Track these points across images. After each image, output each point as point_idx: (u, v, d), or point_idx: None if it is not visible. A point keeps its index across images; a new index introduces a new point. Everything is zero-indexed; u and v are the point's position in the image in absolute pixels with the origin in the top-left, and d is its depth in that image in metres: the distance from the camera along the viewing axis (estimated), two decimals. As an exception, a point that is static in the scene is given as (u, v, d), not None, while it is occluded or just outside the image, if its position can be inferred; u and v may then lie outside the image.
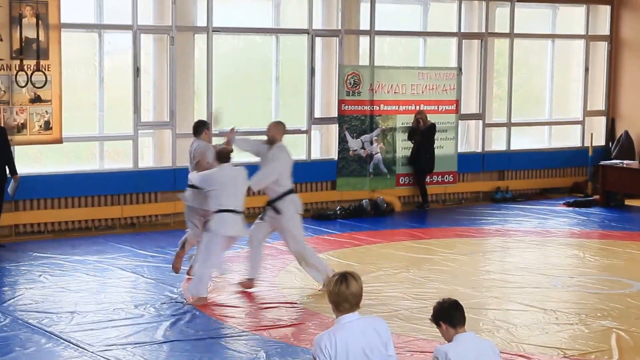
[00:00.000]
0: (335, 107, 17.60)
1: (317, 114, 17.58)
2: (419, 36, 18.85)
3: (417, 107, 18.07)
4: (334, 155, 17.66)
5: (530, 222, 16.87)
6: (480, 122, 19.37)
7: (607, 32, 20.76)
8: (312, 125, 17.49)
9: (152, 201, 15.82)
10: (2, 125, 14.18)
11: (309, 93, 17.36)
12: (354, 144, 17.63)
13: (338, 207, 17.15)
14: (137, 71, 15.64)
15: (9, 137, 14.21)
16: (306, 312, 10.66)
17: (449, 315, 6.27)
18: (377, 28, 17.92)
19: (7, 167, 13.92)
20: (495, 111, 19.86)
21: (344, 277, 5.81)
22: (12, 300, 11.00)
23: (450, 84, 18.50)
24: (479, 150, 19.44)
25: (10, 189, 13.96)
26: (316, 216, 16.89)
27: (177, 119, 16.00)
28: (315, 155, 17.66)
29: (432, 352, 6.30)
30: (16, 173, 13.99)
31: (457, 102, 18.68)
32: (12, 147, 14.25)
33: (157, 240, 14.68)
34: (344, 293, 5.77)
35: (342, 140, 17.54)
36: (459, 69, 18.81)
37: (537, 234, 15.79)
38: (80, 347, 9.22)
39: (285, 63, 17.51)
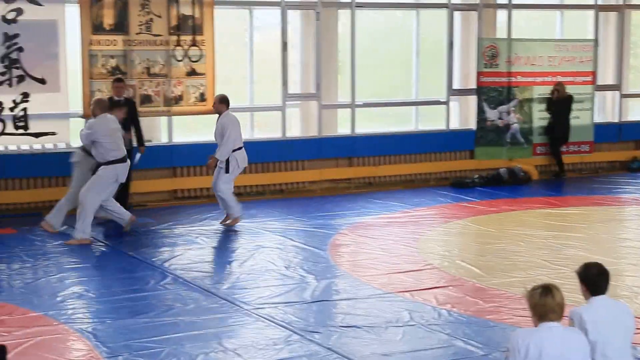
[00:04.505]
0: (473, 78, 17.76)
1: (456, 85, 17.78)
2: (556, 9, 18.83)
3: (554, 79, 18.16)
4: (472, 125, 17.87)
5: (667, 192, 16.68)
6: (617, 93, 19.36)
7: None
8: (451, 97, 17.73)
9: (299, 169, 16.22)
10: (131, 97, 14.42)
11: (448, 65, 17.57)
12: (491, 114, 17.84)
13: (476, 176, 17.32)
14: (284, 46, 16.07)
15: (167, 108, 14.94)
16: (447, 276, 10.67)
17: (593, 282, 6.33)
18: (514, 1, 17.95)
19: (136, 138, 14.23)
20: (631, 82, 19.73)
21: (548, 289, 5.94)
22: (172, 260, 11.46)
23: (587, 55, 18.50)
24: (616, 120, 19.43)
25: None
26: (455, 184, 17.08)
27: (323, 91, 16.44)
28: (454, 125, 17.87)
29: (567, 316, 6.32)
30: (143, 145, 14.28)
31: (594, 74, 18.68)
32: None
33: (303, 206, 15.05)
34: (550, 304, 5.91)
35: (480, 111, 17.83)
36: (596, 40, 18.84)
37: (674, 203, 15.59)
38: (236, 305, 9.50)
39: (425, 36, 17.67)
